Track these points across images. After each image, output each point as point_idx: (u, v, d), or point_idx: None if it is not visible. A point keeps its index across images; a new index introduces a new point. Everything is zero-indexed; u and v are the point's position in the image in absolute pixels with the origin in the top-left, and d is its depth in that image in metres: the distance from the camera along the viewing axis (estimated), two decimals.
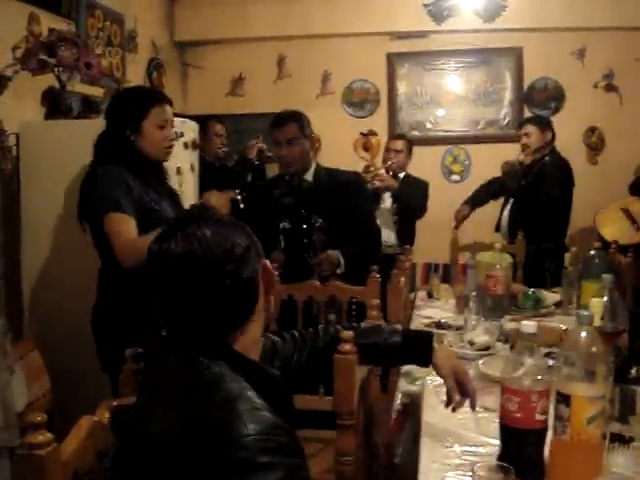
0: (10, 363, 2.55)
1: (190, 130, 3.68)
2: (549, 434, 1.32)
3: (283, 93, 5.42)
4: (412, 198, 4.23)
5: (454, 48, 5.40)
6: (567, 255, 3.12)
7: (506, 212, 4.20)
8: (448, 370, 1.56)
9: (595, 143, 5.38)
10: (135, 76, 4.72)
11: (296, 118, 2.96)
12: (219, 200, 2.57)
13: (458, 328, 2.55)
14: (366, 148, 5.58)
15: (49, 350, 2.96)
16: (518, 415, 1.30)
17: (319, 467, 2.17)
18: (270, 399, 1.10)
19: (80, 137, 2.76)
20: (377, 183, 4.16)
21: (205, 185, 3.95)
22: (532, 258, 3.77)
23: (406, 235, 4.30)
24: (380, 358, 1.67)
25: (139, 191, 2.31)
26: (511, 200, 4.18)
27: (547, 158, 4.04)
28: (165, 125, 2.42)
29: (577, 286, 2.81)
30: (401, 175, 4.38)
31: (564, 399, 1.25)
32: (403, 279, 2.80)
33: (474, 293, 2.63)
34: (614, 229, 4.48)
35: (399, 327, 1.69)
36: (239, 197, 2.67)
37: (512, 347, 2.07)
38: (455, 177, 5.58)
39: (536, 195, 3.90)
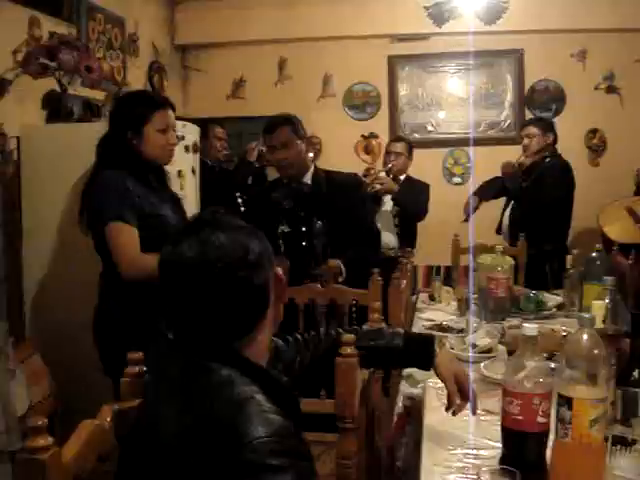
0: (11, 367, 2.56)
1: (191, 133, 3.68)
2: (551, 437, 1.31)
3: (284, 96, 5.42)
4: (413, 200, 4.22)
5: (455, 50, 5.40)
6: (568, 257, 3.11)
7: (507, 214, 4.20)
8: (449, 374, 1.56)
9: (596, 145, 5.38)
10: (136, 79, 4.73)
11: (288, 121, 2.96)
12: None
13: (460, 331, 2.55)
14: (367, 151, 5.58)
15: (50, 354, 2.97)
16: (520, 418, 1.30)
17: (321, 470, 2.15)
18: (279, 404, 1.10)
19: (81, 140, 2.76)
20: (377, 186, 4.16)
21: (206, 188, 3.96)
22: (533, 260, 3.76)
23: (407, 237, 4.29)
24: (381, 361, 1.67)
25: (140, 196, 2.31)
26: (512, 202, 4.17)
27: (548, 160, 4.04)
28: (167, 129, 2.43)
29: (579, 288, 2.81)
30: (402, 177, 4.37)
31: (566, 402, 1.24)
32: (404, 282, 2.80)
33: (476, 295, 2.63)
34: (618, 228, 4.47)
35: (400, 330, 1.69)
36: (240, 200, 2.67)
37: (510, 353, 2.06)
38: (456, 179, 5.58)
39: (536, 197, 3.90)
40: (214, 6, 5.42)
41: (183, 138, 3.28)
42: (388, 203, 4.28)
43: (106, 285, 2.42)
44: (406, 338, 1.62)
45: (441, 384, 1.62)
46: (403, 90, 5.57)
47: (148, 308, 2.26)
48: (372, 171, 4.46)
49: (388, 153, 4.49)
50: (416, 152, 4.57)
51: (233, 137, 4.88)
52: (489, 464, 1.35)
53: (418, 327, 2.71)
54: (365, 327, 1.70)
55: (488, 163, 4.70)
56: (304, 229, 2.90)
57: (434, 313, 2.99)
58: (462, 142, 5.47)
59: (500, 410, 1.37)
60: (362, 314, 2.54)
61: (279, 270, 1.24)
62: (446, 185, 5.49)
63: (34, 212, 3.13)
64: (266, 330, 1.22)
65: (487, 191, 4.28)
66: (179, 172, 3.35)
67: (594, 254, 2.83)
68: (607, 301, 2.11)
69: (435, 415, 1.72)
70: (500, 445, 1.39)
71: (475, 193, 4.30)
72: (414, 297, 3.46)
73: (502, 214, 4.26)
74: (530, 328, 1.33)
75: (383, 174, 4.29)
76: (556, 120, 4.74)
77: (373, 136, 5.57)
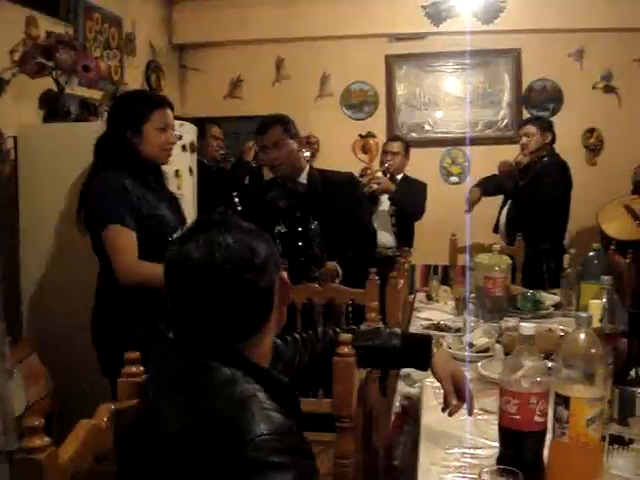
0: (8, 367, 2.55)
1: (188, 133, 3.68)
2: (548, 436, 1.31)
3: (282, 95, 5.42)
4: (410, 200, 4.23)
5: (452, 50, 5.40)
6: (566, 256, 3.12)
7: (504, 213, 4.20)
8: (446, 374, 1.56)
9: (594, 144, 5.38)
10: (133, 79, 4.72)
11: (279, 121, 2.96)
12: None
13: (457, 330, 2.55)
14: (365, 150, 5.58)
15: (48, 353, 2.96)
16: (517, 417, 1.30)
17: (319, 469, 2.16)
18: (280, 403, 1.10)
19: (78, 140, 2.76)
20: (374, 186, 4.16)
21: (203, 188, 3.96)
22: (531, 259, 3.76)
23: (405, 237, 4.30)
24: (379, 361, 1.67)
25: (139, 196, 2.31)
26: (509, 201, 4.18)
27: (545, 159, 4.04)
28: (166, 128, 2.43)
29: (576, 288, 2.81)
30: (399, 177, 4.38)
31: (563, 401, 1.24)
32: (402, 281, 2.80)
33: (473, 295, 2.63)
34: (616, 225, 4.48)
35: (398, 330, 1.68)
36: (236, 199, 2.67)
37: (507, 354, 2.07)
38: (454, 179, 5.58)
39: (533, 196, 3.90)
40: (211, 5, 5.42)
41: (181, 138, 3.27)
42: (385, 203, 4.29)
43: (104, 285, 2.41)
44: (403, 338, 1.62)
45: (438, 384, 1.62)
46: (400, 89, 5.57)
47: (146, 307, 2.27)
48: (369, 171, 4.47)
49: (385, 153, 4.50)
50: (413, 151, 4.58)
51: (230, 137, 4.88)
52: (487, 464, 1.35)
53: (416, 326, 2.71)
54: (363, 327, 1.70)
55: (485, 162, 4.71)
56: (300, 229, 2.90)
57: (431, 312, 2.99)
58: (459, 141, 5.47)
59: (497, 409, 1.37)
60: (358, 313, 2.54)
61: (284, 274, 1.23)
62: (443, 184, 5.49)
63: (31, 212, 3.13)
64: (269, 333, 1.22)
65: (486, 186, 4.29)
66: (176, 172, 3.34)
67: (591, 253, 2.83)
68: (604, 300, 2.12)
69: (432, 414, 1.72)
70: (497, 444, 1.39)
71: (477, 185, 4.30)
72: (411, 296, 3.46)
73: (499, 213, 4.26)
74: (527, 327, 1.33)
75: (380, 174, 4.30)
76: (553, 119, 4.74)
77: (370, 135, 5.57)
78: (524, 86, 5.43)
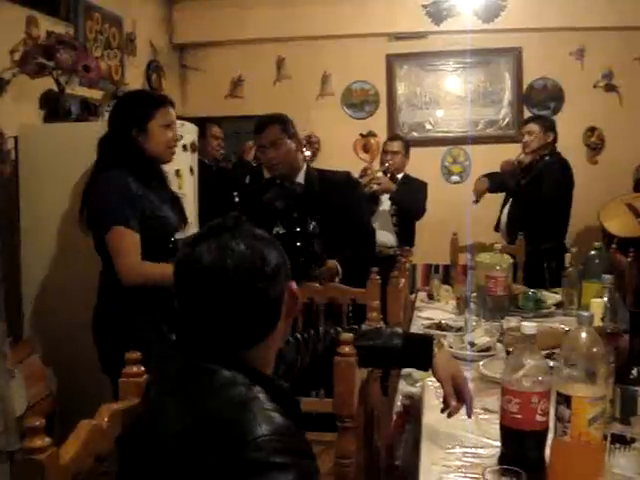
0: (9, 367, 2.55)
1: (189, 132, 3.68)
2: (550, 435, 1.31)
3: (282, 95, 5.41)
4: (411, 199, 4.23)
5: (453, 49, 5.40)
6: (567, 255, 3.11)
7: (505, 211, 4.20)
8: (446, 375, 1.55)
9: (595, 143, 5.37)
10: (134, 79, 4.72)
11: (277, 120, 2.95)
12: None
13: (458, 329, 2.55)
14: (366, 149, 5.58)
15: (49, 354, 2.96)
16: (519, 416, 1.30)
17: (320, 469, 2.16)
18: (280, 405, 1.10)
19: (79, 140, 2.76)
20: (375, 186, 4.16)
21: (204, 187, 3.96)
22: (532, 258, 3.76)
23: (406, 236, 4.30)
24: (380, 361, 1.67)
25: (142, 196, 2.31)
26: (510, 199, 4.17)
27: (547, 158, 4.04)
28: (170, 125, 2.44)
29: (578, 286, 2.81)
30: (400, 176, 4.37)
31: (565, 400, 1.24)
32: (403, 280, 2.80)
33: (474, 294, 2.63)
34: (618, 223, 4.47)
35: (399, 330, 1.68)
36: (237, 199, 2.67)
37: (508, 353, 2.06)
38: (455, 178, 5.57)
39: (535, 195, 3.90)
40: (212, 5, 5.41)
41: (181, 137, 3.27)
42: (386, 202, 4.28)
43: (106, 284, 2.41)
44: (405, 338, 1.62)
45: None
46: (401, 89, 5.57)
47: (148, 307, 2.27)
48: (369, 171, 4.47)
49: (385, 152, 4.49)
50: (414, 151, 4.57)
51: (231, 136, 4.88)
52: (488, 463, 1.35)
53: (417, 326, 2.71)
54: (364, 326, 1.70)
55: (486, 161, 4.71)
56: (298, 229, 2.90)
57: (433, 312, 2.99)
58: (460, 140, 5.47)
59: (499, 409, 1.37)
60: (359, 313, 2.53)
61: (294, 285, 1.22)
62: (444, 184, 5.49)
63: (32, 212, 3.13)
64: (274, 342, 1.21)
65: (490, 182, 4.27)
66: (177, 171, 3.34)
67: (593, 252, 2.83)
68: (606, 299, 2.12)
69: (434, 414, 1.71)
70: (499, 444, 1.38)
71: (485, 176, 4.27)
72: (413, 296, 3.46)
73: (500, 212, 4.26)
74: (529, 327, 1.33)
75: (380, 174, 4.29)
76: (555, 118, 4.73)
77: (371, 135, 5.57)
78: (525, 85, 5.43)
